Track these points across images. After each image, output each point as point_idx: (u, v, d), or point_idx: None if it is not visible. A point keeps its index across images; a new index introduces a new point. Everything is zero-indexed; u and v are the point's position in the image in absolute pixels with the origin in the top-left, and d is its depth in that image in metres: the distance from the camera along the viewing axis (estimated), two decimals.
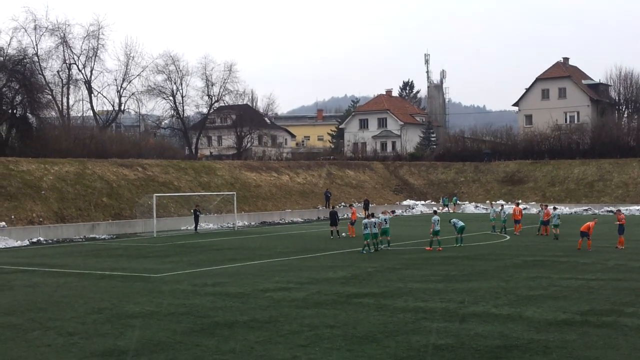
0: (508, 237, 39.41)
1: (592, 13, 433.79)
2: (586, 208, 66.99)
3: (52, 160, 53.01)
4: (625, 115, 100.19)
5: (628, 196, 69.43)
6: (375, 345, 14.22)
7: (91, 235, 45.89)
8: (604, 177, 73.56)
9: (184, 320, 17.14)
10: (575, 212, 65.54)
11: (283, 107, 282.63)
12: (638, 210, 63.36)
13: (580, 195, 72.33)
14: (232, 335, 15.41)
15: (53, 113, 73.23)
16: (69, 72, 79.94)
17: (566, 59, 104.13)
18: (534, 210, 59.50)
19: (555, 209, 42.30)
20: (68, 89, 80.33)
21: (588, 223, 32.58)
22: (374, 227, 32.56)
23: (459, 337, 14.73)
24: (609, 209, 65.25)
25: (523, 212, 47.33)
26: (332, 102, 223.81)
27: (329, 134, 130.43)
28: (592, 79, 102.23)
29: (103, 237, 45.67)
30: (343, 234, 41.66)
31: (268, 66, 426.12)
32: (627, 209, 63.94)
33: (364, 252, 32.03)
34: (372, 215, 33.63)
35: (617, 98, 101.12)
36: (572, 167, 76.83)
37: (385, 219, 33.72)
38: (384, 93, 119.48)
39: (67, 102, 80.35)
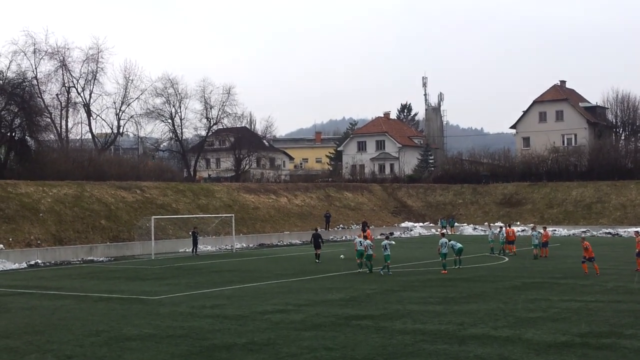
0: (507, 259, 39.37)
1: (589, 37, 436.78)
2: (584, 230, 66.97)
3: (50, 183, 53.01)
4: (623, 137, 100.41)
5: (626, 218, 69.44)
6: None
7: (89, 258, 45.77)
8: (601, 199, 73.63)
9: (182, 343, 17.08)
10: (573, 234, 65.49)
11: (281, 130, 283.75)
12: (636, 232, 63.26)
13: (579, 217, 72.34)
14: (231, 358, 15.35)
15: (52, 136, 73.31)
16: (67, 95, 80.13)
17: (563, 82, 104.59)
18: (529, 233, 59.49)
19: (534, 229, 42.50)
20: (67, 112, 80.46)
21: (586, 245, 32.28)
22: (360, 246, 33.33)
23: None
24: (607, 231, 65.27)
25: (517, 234, 47.44)
26: (330, 124, 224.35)
27: (327, 156, 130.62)
28: (589, 102, 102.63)
29: (101, 259, 45.55)
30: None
31: (266, 89, 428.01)
32: (625, 231, 64.01)
33: (382, 272, 32.23)
34: (391, 235, 34.37)
35: (614, 121, 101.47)
36: (570, 189, 76.93)
37: (385, 245, 33.45)
38: (382, 116, 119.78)
39: (66, 125, 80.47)
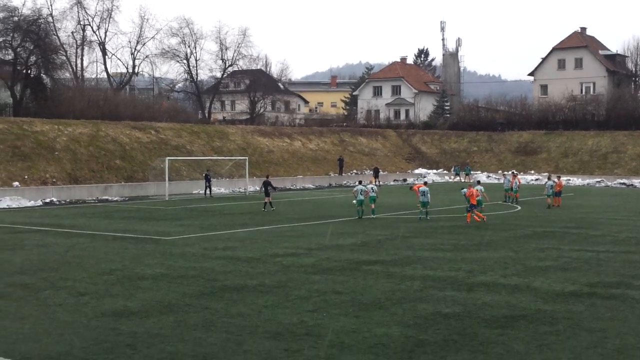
0: (519, 208, 39.33)
1: None
2: (599, 180, 66.69)
3: (65, 122, 53.20)
4: None
5: None
6: (383, 312, 14.31)
7: (104, 197, 46.19)
8: (617, 149, 73.08)
9: (194, 283, 17.29)
10: (588, 184, 65.29)
11: (297, 73, 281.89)
12: None
13: (594, 167, 71.95)
14: (241, 299, 15.54)
15: (67, 74, 73.38)
16: (83, 33, 79.93)
17: (583, 29, 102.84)
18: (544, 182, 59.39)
19: (549, 178, 42.41)
20: (82, 50, 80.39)
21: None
22: (361, 194, 33.43)
23: (466, 306, 14.80)
24: (622, 182, 64.96)
25: (531, 182, 47.26)
26: (346, 68, 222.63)
27: (342, 100, 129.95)
28: (609, 50, 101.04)
29: (115, 199, 45.94)
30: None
31: (282, 32, 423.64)
32: None
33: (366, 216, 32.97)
34: (425, 184, 34.60)
35: (634, 69, 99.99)
36: (586, 139, 76.35)
37: (372, 188, 34.59)
38: (399, 60, 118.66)
39: (81, 64, 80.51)
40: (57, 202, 43.17)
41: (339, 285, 16.99)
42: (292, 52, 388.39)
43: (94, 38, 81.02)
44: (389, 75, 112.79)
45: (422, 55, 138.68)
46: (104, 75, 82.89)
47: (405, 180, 69.38)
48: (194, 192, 51.49)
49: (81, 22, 79.15)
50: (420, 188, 33.50)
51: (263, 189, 38.39)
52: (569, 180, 64.51)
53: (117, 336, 12.60)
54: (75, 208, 40.15)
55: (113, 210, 38.26)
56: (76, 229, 29.40)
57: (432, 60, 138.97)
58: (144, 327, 13.22)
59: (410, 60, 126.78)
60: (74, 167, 48.58)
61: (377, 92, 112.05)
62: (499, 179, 62.81)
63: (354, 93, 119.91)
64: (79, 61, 79.92)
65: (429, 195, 33.23)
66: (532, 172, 71.17)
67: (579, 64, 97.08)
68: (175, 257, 21.57)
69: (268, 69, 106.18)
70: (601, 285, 17.08)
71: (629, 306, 14.97)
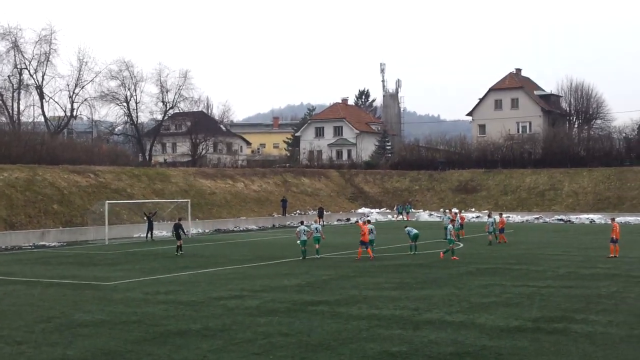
0: (461, 245, 39.72)
1: (544, 25, 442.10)
2: (537, 217, 68.02)
3: (1, 167, 51.87)
4: (576, 125, 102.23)
5: (578, 205, 70.71)
6: (330, 353, 14.17)
7: (41, 243, 44.99)
8: (554, 186, 74.82)
9: (136, 329, 16.86)
10: (527, 221, 66.51)
11: (239, 115, 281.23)
12: (588, 219, 64.58)
13: (532, 204, 73.43)
14: (185, 344, 15.20)
15: (3, 118, 72.02)
16: (20, 77, 78.56)
17: (519, 70, 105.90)
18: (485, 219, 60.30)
19: (489, 215, 43.35)
20: (19, 94, 78.93)
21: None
22: (304, 234, 33.41)
23: (412, 344, 14.77)
24: (560, 218, 66.38)
25: (471, 220, 47.93)
26: (288, 109, 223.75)
27: (284, 141, 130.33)
28: (543, 90, 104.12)
29: (53, 244, 44.81)
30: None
31: (223, 74, 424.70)
32: (577, 218, 65.20)
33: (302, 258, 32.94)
34: (369, 222, 35.34)
35: (568, 109, 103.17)
36: (524, 176, 78.01)
37: (316, 228, 34.74)
38: (340, 101, 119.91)
39: (18, 108, 78.97)
40: None
41: (284, 327, 16.79)
42: (234, 94, 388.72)
43: (31, 82, 79.78)
44: (331, 116, 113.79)
45: (363, 97, 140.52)
46: (42, 119, 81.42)
47: (348, 219, 69.55)
48: (134, 235, 50.60)
49: (18, 66, 77.93)
50: (368, 226, 33.90)
51: (174, 232, 37.56)
52: (509, 217, 65.58)
53: None
54: (11, 254, 38.98)
55: (51, 256, 37.27)
56: (12, 276, 28.47)
57: (373, 101, 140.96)
58: None
59: (351, 101, 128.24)
60: (10, 213, 47.30)
61: (320, 132, 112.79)
62: (440, 217, 63.51)
63: (296, 134, 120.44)
64: (15, 105, 78.49)
65: (374, 232, 33.86)
66: (473, 209, 72.21)
67: (515, 104, 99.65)
68: (116, 302, 21.04)
69: (209, 110, 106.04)
70: (544, 320, 17.27)
71: (572, 340, 15.15)
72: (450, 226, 34.07)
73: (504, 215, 46.37)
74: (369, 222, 35.96)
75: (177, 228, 37.26)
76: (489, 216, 43.30)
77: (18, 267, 32.13)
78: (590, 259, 31.67)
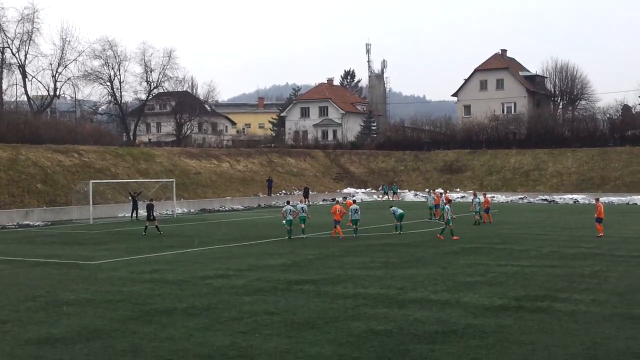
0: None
1: (529, 5, 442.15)
2: (522, 197, 68.40)
3: None
4: (561, 106, 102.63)
5: (562, 185, 71.18)
6: (315, 332, 14.23)
7: (25, 222, 44.76)
8: (539, 167, 75.22)
9: (121, 308, 16.85)
10: (511, 201, 66.86)
11: (224, 95, 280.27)
12: (571, 199, 65.04)
13: (517, 184, 73.82)
14: (171, 322, 15.21)
15: None
16: (2, 56, 77.74)
17: (504, 51, 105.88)
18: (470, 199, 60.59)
19: (475, 195, 43.59)
20: (1, 73, 78.12)
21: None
22: (290, 214, 33.31)
23: (397, 323, 14.85)
24: (544, 198, 66.80)
25: (456, 200, 48.09)
26: (273, 90, 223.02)
27: (270, 122, 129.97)
28: (529, 71, 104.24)
29: (37, 224, 44.58)
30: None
31: (209, 53, 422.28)
32: (561, 198, 65.65)
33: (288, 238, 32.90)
34: (354, 202, 36.35)
35: (552, 90, 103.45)
36: (509, 157, 78.35)
37: (302, 207, 34.87)
38: (326, 82, 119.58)
39: (0, 87, 78.16)
40: None
41: (270, 306, 16.83)
42: (219, 74, 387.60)
43: (14, 61, 78.92)
44: (316, 96, 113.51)
45: (349, 77, 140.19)
46: (24, 98, 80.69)
47: (334, 199, 69.66)
48: (119, 215, 50.42)
49: (0, 45, 76.99)
50: (351, 206, 34.24)
51: (147, 212, 37.65)
52: (493, 197, 65.90)
53: None
54: None
55: (35, 236, 37.10)
56: None
57: (359, 81, 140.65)
58: (70, 354, 12.77)
59: (337, 82, 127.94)
60: None
61: (305, 113, 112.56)
62: (425, 197, 63.73)
63: (281, 114, 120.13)
64: None
65: (359, 212, 33.85)
66: (458, 189, 72.50)
67: (500, 84, 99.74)
68: (101, 281, 21.00)
69: (194, 90, 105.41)
70: (528, 299, 17.41)
71: (556, 318, 15.29)
72: (447, 207, 33.60)
73: (488, 195, 46.65)
74: (354, 202, 36.14)
75: (150, 208, 37.43)
76: (475, 196, 43.47)
77: (2, 246, 31.97)
78: (574, 239, 31.91)
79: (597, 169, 72.13)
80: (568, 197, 65.67)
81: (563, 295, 17.93)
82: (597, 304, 16.89)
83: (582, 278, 20.70)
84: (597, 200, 34.71)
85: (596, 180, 70.60)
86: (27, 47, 78.77)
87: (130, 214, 48.33)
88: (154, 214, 37.77)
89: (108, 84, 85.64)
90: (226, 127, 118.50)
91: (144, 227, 37.23)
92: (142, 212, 49.88)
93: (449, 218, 32.77)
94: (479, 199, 41.84)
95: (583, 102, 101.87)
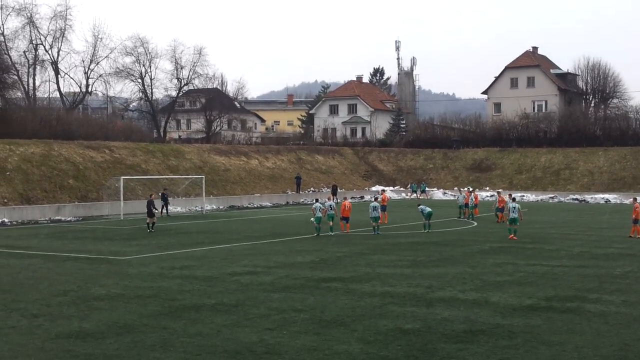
0: (475, 224, 39.70)
1: (562, 3, 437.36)
2: (552, 196, 67.76)
3: (17, 142, 52.17)
4: (592, 104, 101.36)
5: (593, 184, 70.38)
6: (343, 329, 14.25)
7: (57, 217, 45.33)
8: (570, 166, 74.45)
9: (151, 303, 17.02)
10: (541, 200, 66.28)
11: (253, 92, 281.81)
12: (603, 198, 64.28)
13: (547, 183, 73.14)
14: (200, 318, 15.34)
15: (19, 94, 72.05)
16: (35, 52, 78.69)
17: (535, 49, 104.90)
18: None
19: (470, 191, 43.25)
20: (34, 69, 79.10)
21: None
22: (319, 212, 33.54)
23: (425, 322, 14.82)
24: (574, 197, 66.11)
25: (485, 199, 47.75)
26: (302, 87, 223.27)
27: (299, 119, 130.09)
28: (560, 69, 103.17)
29: (69, 219, 45.14)
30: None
31: (238, 51, 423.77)
32: (592, 197, 64.92)
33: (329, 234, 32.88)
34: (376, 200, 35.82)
35: (584, 88, 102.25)
36: (539, 156, 77.63)
37: (331, 205, 34.68)
38: (355, 79, 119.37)
39: (34, 83, 79.18)
40: (9, 223, 42.21)
41: (298, 303, 16.89)
42: (248, 71, 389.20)
43: (47, 57, 79.88)
44: (345, 93, 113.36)
45: (378, 74, 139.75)
46: (57, 94, 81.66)
47: (362, 197, 69.61)
48: None
49: (33, 42, 78.01)
50: (371, 204, 34.41)
51: (146, 208, 37.32)
52: (523, 196, 65.44)
53: (72, 358, 12.31)
54: (28, 229, 39.32)
55: (66, 231, 37.57)
56: (29, 250, 28.75)
57: (388, 79, 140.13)
58: (100, 348, 12.94)
59: (366, 79, 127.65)
60: (26, 188, 47.64)
61: (334, 110, 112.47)
62: (454, 195, 63.41)
63: (310, 111, 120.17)
64: (31, 81, 78.68)
65: (379, 210, 34.50)
66: (487, 188, 72.00)
67: (531, 82, 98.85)
68: (131, 277, 21.23)
69: (224, 87, 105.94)
70: (557, 299, 17.28)
71: (585, 319, 15.16)
72: (513, 205, 32.35)
73: (517, 194, 46.21)
74: (376, 199, 36.33)
75: (149, 205, 37.10)
76: (499, 195, 43.19)
77: (35, 241, 32.43)
78: (604, 239, 31.56)
79: (629, 168, 71.21)
80: (599, 197, 64.90)
81: (593, 296, 17.75)
82: (627, 305, 16.71)
83: (612, 279, 20.48)
84: (635, 200, 32.78)
85: (628, 179, 69.69)
86: (59, 44, 79.77)
87: (160, 210, 48.64)
88: (154, 210, 37.57)
89: (139, 80, 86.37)
90: (255, 124, 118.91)
91: (147, 224, 36.73)
92: (172, 208, 50.43)
93: (515, 217, 31.79)
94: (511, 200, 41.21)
95: (615, 101, 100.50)
